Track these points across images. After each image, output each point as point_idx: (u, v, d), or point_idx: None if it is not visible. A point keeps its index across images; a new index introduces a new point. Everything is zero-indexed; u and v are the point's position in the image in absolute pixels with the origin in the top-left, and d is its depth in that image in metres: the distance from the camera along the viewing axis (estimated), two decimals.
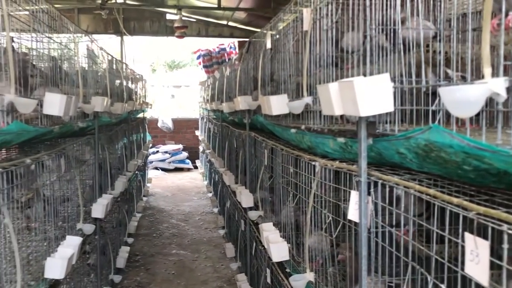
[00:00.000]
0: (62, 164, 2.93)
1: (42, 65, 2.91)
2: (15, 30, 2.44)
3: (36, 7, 2.56)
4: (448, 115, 1.48)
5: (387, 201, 1.72)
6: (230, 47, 12.38)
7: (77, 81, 3.35)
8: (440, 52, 2.01)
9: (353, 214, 1.79)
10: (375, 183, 1.73)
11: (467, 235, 1.17)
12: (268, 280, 3.34)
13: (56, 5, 2.83)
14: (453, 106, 1.14)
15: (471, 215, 1.18)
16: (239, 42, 11.44)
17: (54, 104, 2.41)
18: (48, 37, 2.85)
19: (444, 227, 1.43)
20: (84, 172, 3.77)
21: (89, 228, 3.41)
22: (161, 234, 6.73)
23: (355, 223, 1.88)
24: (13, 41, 2.28)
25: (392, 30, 1.73)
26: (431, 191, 1.35)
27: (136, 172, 7.05)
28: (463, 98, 1.09)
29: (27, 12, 2.54)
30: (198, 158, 12.47)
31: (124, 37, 11.13)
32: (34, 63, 2.77)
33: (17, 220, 2.56)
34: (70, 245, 2.78)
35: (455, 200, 1.25)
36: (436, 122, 1.37)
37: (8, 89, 2.06)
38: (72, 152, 3.26)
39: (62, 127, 2.87)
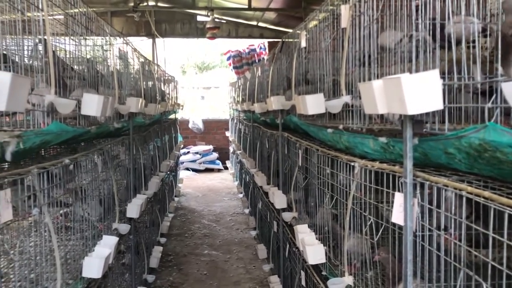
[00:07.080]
0: (99, 165, 2.95)
1: (79, 67, 2.95)
2: (54, 33, 2.47)
3: (75, 10, 2.59)
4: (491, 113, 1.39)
5: (433, 203, 1.65)
6: (260, 48, 12.37)
7: (112, 83, 3.39)
8: (487, 48, 1.92)
9: (397, 217, 1.72)
10: (421, 184, 1.66)
11: None
12: (303, 283, 3.28)
13: (90, 9, 2.87)
14: None
15: None
16: (269, 42, 11.43)
17: (92, 104, 2.44)
18: (85, 39, 2.88)
19: (494, 231, 1.35)
20: (119, 172, 3.81)
21: (124, 227, 3.44)
22: (193, 234, 6.76)
23: (398, 226, 1.81)
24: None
25: (439, 25, 1.66)
26: (486, 193, 1.27)
27: (168, 172, 7.11)
28: None
29: (62, 16, 2.57)
30: (228, 159, 12.50)
31: (156, 39, 11.28)
32: (72, 65, 2.80)
33: (56, 220, 2.59)
34: (107, 245, 2.80)
35: None
36: (493, 120, 1.29)
37: (48, 90, 2.09)
38: (109, 153, 3.29)
39: (98, 128, 2.90)
